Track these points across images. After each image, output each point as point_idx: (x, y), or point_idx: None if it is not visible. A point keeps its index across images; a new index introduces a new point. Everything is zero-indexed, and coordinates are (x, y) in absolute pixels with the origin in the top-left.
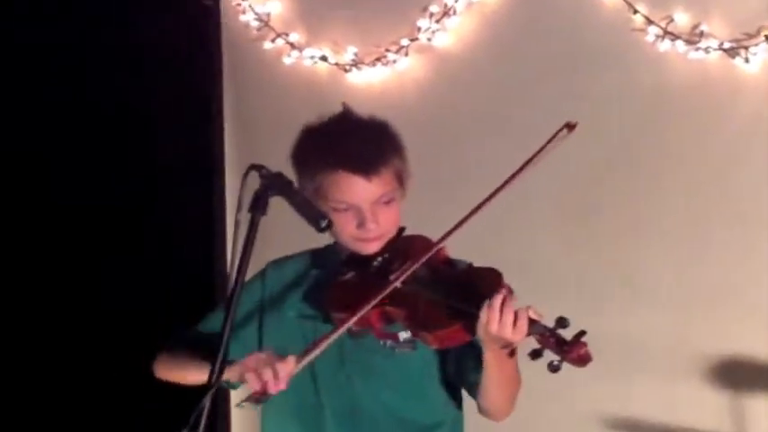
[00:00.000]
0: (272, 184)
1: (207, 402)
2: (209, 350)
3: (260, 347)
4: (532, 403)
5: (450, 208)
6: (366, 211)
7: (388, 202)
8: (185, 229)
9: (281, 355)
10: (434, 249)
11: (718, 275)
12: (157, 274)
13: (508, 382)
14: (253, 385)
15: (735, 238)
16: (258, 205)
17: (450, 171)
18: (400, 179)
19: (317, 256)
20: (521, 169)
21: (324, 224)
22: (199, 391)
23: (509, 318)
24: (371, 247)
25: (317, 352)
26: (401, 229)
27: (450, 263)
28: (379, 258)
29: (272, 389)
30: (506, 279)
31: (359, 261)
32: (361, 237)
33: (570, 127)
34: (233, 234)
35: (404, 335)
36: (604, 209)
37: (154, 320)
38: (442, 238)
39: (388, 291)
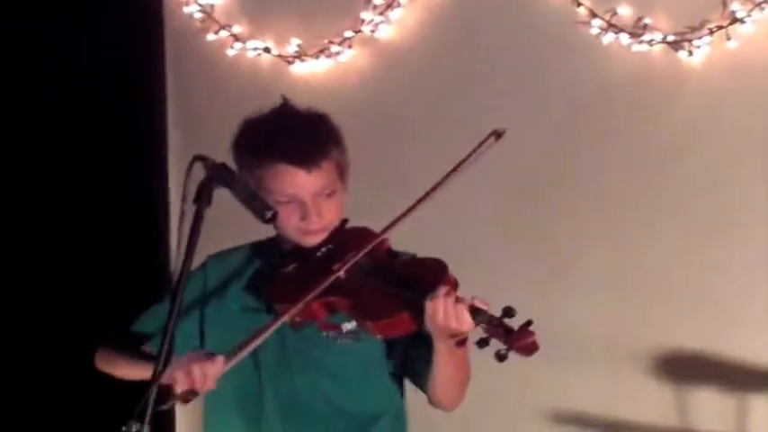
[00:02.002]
0: (217, 175)
1: (153, 394)
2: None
3: (202, 340)
4: (472, 395)
5: (393, 199)
6: (309, 203)
7: (330, 195)
8: (130, 221)
9: (211, 354)
10: (377, 240)
11: (659, 267)
12: (106, 268)
13: (459, 372)
14: (182, 384)
15: (676, 230)
16: (203, 196)
17: (394, 163)
18: (341, 171)
19: (259, 249)
20: (447, 176)
21: (269, 215)
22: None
23: (454, 308)
24: (315, 239)
25: (249, 348)
26: (344, 221)
27: (394, 254)
28: (322, 249)
29: (201, 388)
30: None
31: (302, 253)
32: (305, 229)
33: (498, 135)
34: (177, 225)
35: (347, 326)
36: (546, 199)
37: (100, 315)
38: (385, 230)
39: (330, 280)
